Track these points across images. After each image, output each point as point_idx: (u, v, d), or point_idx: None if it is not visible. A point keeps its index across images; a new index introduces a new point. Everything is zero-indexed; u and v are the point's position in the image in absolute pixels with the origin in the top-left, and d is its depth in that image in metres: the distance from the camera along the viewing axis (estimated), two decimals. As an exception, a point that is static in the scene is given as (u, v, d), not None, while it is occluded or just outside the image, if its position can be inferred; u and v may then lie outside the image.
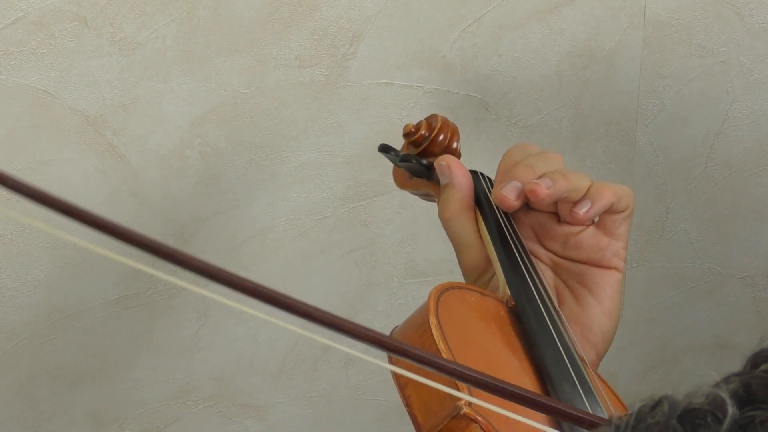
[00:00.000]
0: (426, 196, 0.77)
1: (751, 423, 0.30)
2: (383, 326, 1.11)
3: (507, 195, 0.64)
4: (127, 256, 0.39)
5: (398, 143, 0.99)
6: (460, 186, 0.68)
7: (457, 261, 0.69)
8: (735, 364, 0.33)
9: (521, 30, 0.98)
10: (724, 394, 0.30)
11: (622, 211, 0.65)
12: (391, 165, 0.79)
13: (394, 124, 0.98)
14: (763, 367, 0.33)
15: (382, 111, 0.97)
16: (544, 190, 0.63)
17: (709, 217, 1.16)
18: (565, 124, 1.04)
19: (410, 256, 1.07)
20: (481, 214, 0.67)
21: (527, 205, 0.67)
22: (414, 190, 0.77)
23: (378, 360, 0.44)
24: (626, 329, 1.22)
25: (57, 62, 0.85)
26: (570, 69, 1.02)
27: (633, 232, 1.15)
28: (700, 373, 1.27)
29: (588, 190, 0.64)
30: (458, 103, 0.99)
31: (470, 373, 0.42)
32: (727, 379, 0.32)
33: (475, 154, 1.03)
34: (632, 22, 1.01)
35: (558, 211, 0.67)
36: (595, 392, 0.59)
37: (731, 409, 0.30)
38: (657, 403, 0.31)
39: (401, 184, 0.78)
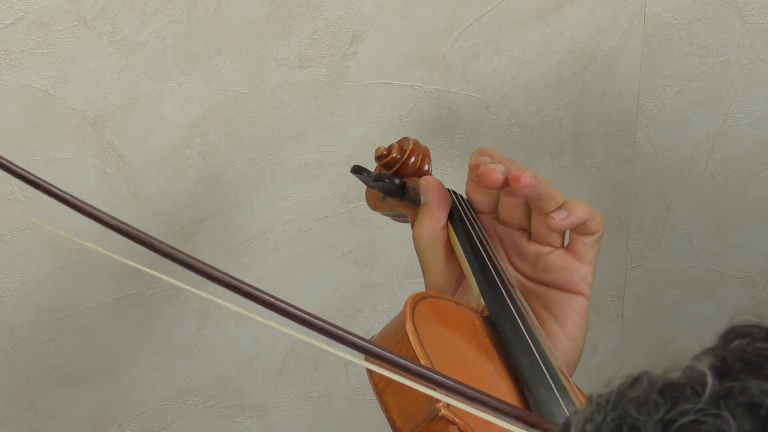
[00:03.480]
0: (399, 217, 0.78)
1: (731, 393, 0.30)
2: (383, 326, 1.11)
3: (495, 168, 0.64)
4: (125, 256, 0.39)
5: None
6: (435, 206, 0.69)
7: None
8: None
9: (521, 30, 0.98)
10: (703, 367, 0.31)
11: (593, 233, 0.65)
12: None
13: (394, 124, 0.98)
14: (736, 342, 0.33)
15: (382, 111, 0.97)
16: (528, 179, 0.63)
17: (709, 217, 1.16)
18: (565, 124, 1.04)
19: (410, 256, 1.07)
20: (454, 230, 0.69)
21: (498, 219, 0.68)
22: (387, 211, 0.78)
23: (356, 359, 0.45)
24: (626, 329, 1.22)
25: (57, 62, 0.85)
26: (570, 69, 1.02)
27: (633, 232, 1.15)
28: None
29: (564, 203, 0.64)
30: (458, 103, 0.99)
31: (445, 380, 0.42)
32: (702, 355, 0.32)
33: (475, 154, 1.03)
34: (632, 22, 1.01)
35: (530, 227, 0.67)
36: (571, 394, 0.59)
37: (711, 380, 0.30)
38: (636, 380, 0.32)
39: (374, 205, 0.79)
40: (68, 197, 0.37)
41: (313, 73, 0.93)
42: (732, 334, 0.34)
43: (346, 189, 1.00)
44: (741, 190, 1.15)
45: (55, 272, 0.94)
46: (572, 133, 1.05)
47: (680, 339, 1.25)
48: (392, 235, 1.05)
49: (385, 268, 1.07)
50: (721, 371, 0.31)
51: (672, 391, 0.31)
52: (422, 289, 1.11)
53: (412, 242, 1.06)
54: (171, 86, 0.90)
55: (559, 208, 0.64)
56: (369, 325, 1.10)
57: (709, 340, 0.34)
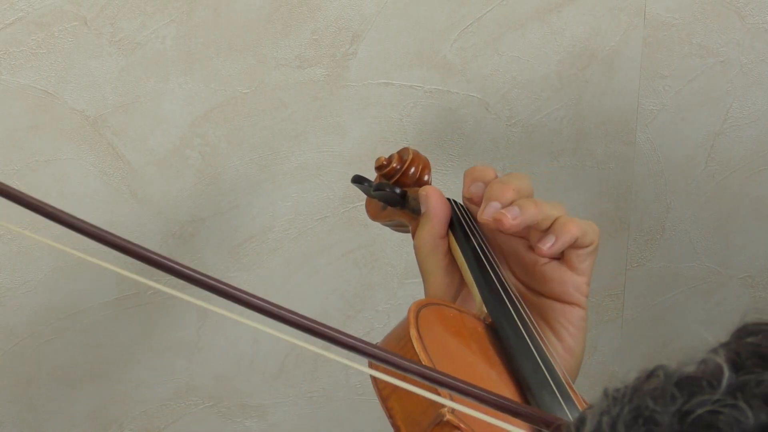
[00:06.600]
0: (399, 227, 0.78)
1: (747, 385, 0.31)
2: (383, 326, 1.11)
3: (484, 218, 0.65)
4: (124, 265, 0.39)
5: (398, 143, 0.99)
6: (436, 216, 0.69)
7: None
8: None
9: (521, 30, 0.98)
10: (720, 360, 0.32)
11: (587, 246, 0.65)
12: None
13: (394, 124, 0.98)
14: (749, 339, 0.34)
15: (382, 111, 0.97)
16: (510, 221, 0.63)
17: (709, 217, 1.16)
18: (565, 124, 1.04)
19: (410, 256, 1.07)
20: (456, 239, 0.69)
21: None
22: (387, 221, 0.78)
23: (361, 366, 0.45)
24: (626, 329, 1.22)
25: (57, 62, 0.85)
26: (570, 69, 1.02)
27: (633, 232, 1.15)
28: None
29: (553, 224, 0.64)
30: (458, 103, 0.99)
31: (452, 381, 0.42)
32: (716, 349, 0.33)
33: (475, 154, 1.03)
34: (632, 22, 1.01)
35: (528, 238, 0.67)
36: (574, 400, 0.60)
37: (727, 373, 0.31)
38: (651, 373, 0.33)
39: (374, 215, 0.79)
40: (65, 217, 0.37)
41: (313, 73, 0.93)
42: (744, 331, 0.34)
43: (346, 189, 1.00)
44: (741, 190, 1.15)
45: (55, 272, 0.94)
46: (572, 133, 1.05)
47: (680, 339, 1.25)
48: (392, 235, 1.05)
49: (385, 268, 1.07)
50: (737, 365, 0.31)
51: (688, 384, 0.31)
52: (422, 289, 1.11)
53: (411, 242, 1.06)
54: (171, 86, 0.90)
55: (547, 232, 0.64)
56: (369, 326, 1.10)
57: (709, 340, 0.35)
